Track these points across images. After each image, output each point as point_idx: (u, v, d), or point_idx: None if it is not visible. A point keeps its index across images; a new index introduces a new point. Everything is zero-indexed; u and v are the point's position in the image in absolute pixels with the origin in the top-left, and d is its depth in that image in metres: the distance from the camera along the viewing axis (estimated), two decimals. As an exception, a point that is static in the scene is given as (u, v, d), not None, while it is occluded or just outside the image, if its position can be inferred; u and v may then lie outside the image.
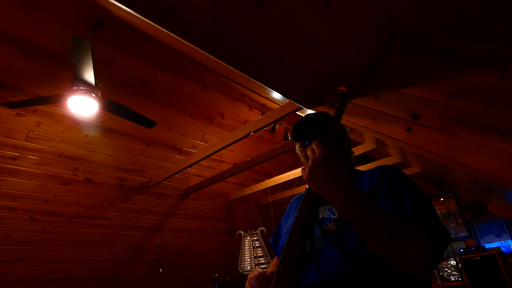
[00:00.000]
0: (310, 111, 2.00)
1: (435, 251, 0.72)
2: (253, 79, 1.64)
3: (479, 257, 3.16)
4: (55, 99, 2.34)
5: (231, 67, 1.55)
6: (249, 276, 0.92)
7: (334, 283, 0.77)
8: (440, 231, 0.74)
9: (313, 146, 0.76)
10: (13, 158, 2.80)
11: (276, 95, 1.96)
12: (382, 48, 0.91)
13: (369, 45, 1.53)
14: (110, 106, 2.47)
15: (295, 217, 0.86)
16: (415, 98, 1.51)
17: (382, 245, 0.70)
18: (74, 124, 2.96)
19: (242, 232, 4.37)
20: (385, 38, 0.98)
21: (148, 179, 3.72)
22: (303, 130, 1.02)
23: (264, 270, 0.94)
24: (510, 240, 3.70)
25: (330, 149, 0.75)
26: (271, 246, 1.21)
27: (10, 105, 2.36)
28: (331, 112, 1.84)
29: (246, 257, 4.18)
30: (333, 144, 0.78)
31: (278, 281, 0.82)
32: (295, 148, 1.07)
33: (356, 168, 1.06)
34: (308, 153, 0.77)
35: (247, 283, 0.92)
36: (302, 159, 0.79)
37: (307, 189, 0.85)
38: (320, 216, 0.90)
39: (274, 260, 1.18)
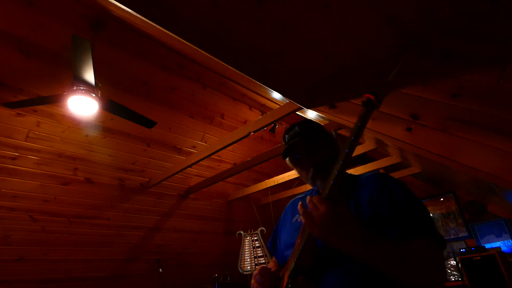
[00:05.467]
0: (310, 111, 2.00)
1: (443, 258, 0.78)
2: (253, 79, 1.64)
3: (479, 257, 3.16)
4: (55, 99, 2.34)
5: (231, 67, 1.55)
6: (254, 273, 0.97)
7: None
8: (441, 238, 0.79)
9: (315, 202, 0.74)
10: (13, 158, 2.80)
11: (276, 95, 1.96)
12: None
13: (368, 45, 1.53)
14: (110, 106, 2.47)
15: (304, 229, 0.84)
16: (415, 98, 1.51)
17: (408, 275, 0.73)
18: (74, 124, 2.96)
19: (242, 232, 4.37)
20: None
21: (148, 179, 3.72)
22: (290, 148, 1.04)
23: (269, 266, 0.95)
24: None
25: (332, 200, 0.73)
26: (270, 247, 1.22)
27: (10, 105, 2.36)
28: (331, 112, 1.85)
29: (246, 257, 4.18)
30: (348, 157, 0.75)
31: None
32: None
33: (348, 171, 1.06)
34: (310, 207, 0.75)
35: (252, 281, 0.95)
36: (302, 217, 0.76)
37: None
38: None
39: (274, 259, 1.19)
